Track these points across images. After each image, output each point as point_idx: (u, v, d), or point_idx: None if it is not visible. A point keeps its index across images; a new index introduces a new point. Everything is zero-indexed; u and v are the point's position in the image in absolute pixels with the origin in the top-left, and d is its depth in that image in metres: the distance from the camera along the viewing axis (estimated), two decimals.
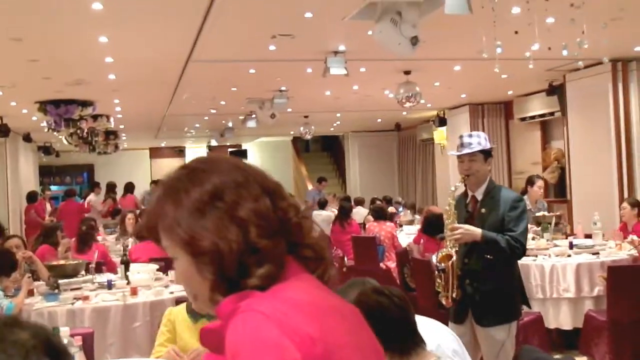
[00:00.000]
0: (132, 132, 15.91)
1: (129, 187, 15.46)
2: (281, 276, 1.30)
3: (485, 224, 4.19)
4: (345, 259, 11.00)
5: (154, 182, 16.60)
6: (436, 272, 4.27)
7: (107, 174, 19.19)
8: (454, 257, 4.16)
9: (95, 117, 12.12)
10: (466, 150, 4.27)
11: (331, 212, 13.43)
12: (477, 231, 4.13)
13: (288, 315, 1.19)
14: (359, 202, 13.29)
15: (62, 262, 6.79)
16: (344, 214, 11.40)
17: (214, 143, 19.34)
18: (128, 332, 5.74)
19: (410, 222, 12.07)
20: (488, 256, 4.16)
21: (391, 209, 12.50)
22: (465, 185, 4.43)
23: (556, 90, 10.59)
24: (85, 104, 10.64)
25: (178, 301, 5.57)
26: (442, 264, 4.21)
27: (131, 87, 9.62)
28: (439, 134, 15.17)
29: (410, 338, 2.41)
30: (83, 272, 6.63)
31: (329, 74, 7.63)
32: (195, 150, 22.72)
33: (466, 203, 4.36)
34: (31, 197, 15.47)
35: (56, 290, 5.95)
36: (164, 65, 8.12)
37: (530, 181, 8.06)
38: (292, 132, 19.80)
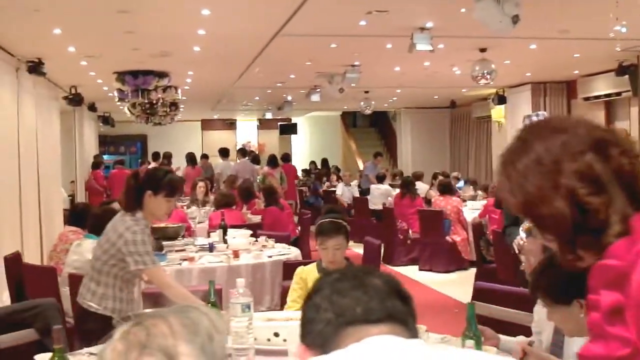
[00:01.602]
0: (191, 104, 16.20)
1: (194, 158, 15.86)
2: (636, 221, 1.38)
3: None
4: (410, 231, 11.27)
5: (204, 156, 16.96)
6: (520, 242, 4.45)
7: (159, 145, 19.57)
8: None
9: (164, 89, 12.44)
10: None
11: (388, 185, 13.68)
12: None
13: None
14: (418, 177, 13.48)
15: (162, 225, 7.06)
16: (409, 188, 11.62)
17: (268, 116, 19.57)
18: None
19: (473, 198, 12.26)
20: None
21: None
22: None
23: (627, 71, 10.65)
24: (161, 75, 10.95)
25: (286, 264, 5.91)
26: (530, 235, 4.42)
27: (210, 60, 9.89)
28: (497, 112, 15.27)
29: None
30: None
31: (415, 49, 7.81)
32: (247, 123, 23.02)
33: None
34: (96, 163, 15.95)
35: (162, 251, 6.24)
36: (250, 38, 8.37)
37: None
38: (345, 107, 20.02)
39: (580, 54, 10.14)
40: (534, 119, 4.62)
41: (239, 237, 6.95)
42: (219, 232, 6.94)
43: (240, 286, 3.39)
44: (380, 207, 12.53)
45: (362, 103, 14.90)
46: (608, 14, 7.37)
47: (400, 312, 1.34)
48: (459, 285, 9.40)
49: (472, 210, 11.01)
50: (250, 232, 7.18)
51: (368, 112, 15.47)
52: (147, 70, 10.71)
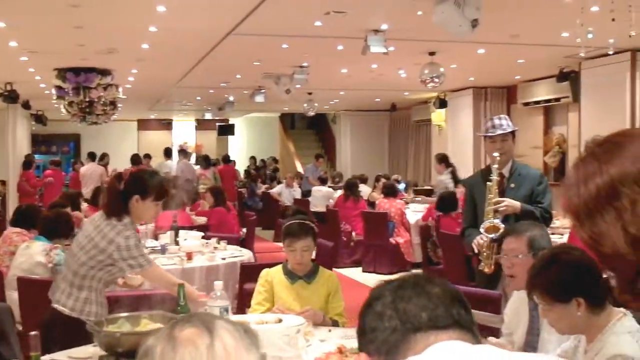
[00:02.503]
0: (129, 103, 15.89)
1: (139, 158, 15.60)
2: None
3: (515, 198, 4.53)
4: (353, 233, 11.30)
5: (147, 156, 16.66)
6: (481, 242, 4.51)
7: (93, 145, 18.90)
8: (502, 229, 4.43)
9: (105, 87, 12.15)
10: (500, 131, 4.63)
11: (329, 188, 13.70)
12: (517, 204, 4.48)
13: None
14: (362, 180, 13.55)
15: None
16: (352, 190, 11.67)
17: (207, 116, 19.36)
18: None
19: (415, 200, 12.37)
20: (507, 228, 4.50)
21: None
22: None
23: (568, 77, 10.93)
24: (104, 72, 10.69)
25: (244, 266, 5.82)
26: (492, 234, 4.49)
27: (157, 58, 9.71)
28: (438, 116, 15.48)
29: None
30: None
31: (369, 51, 7.82)
32: (183, 124, 22.74)
33: (488, 180, 4.62)
34: (27, 163, 15.44)
35: None
36: (202, 37, 8.24)
37: None
38: (286, 109, 19.95)
39: (525, 60, 10.35)
40: (497, 122, 4.69)
41: (190, 239, 6.83)
42: (170, 233, 6.79)
43: (218, 289, 3.32)
44: (322, 209, 12.54)
45: (305, 105, 14.89)
46: (557, 21, 7.57)
47: (465, 319, 1.34)
48: None
49: (414, 213, 11.12)
50: (202, 234, 7.07)
51: (311, 113, 15.47)
52: (90, 68, 10.45)
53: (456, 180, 10.84)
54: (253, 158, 21.40)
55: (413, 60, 9.92)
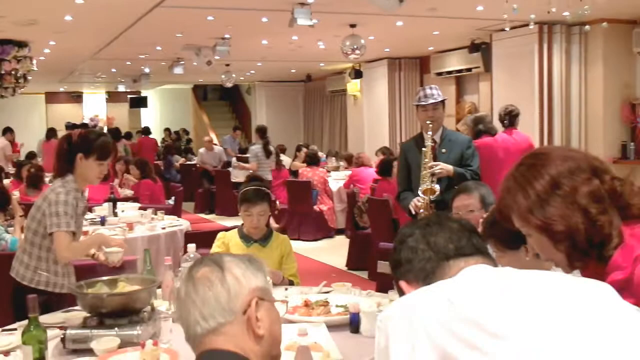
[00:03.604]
0: (40, 76, 15.50)
1: (53, 133, 15.25)
2: (627, 233, 1.73)
3: (447, 162, 4.91)
4: (277, 202, 11.54)
5: (71, 127, 16.30)
6: (418, 204, 4.86)
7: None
8: (438, 191, 4.81)
9: (19, 60, 11.87)
10: (432, 100, 4.98)
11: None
12: (450, 167, 4.87)
13: None
14: (282, 149, 13.77)
15: None
16: (275, 160, 11.90)
17: (121, 89, 19.08)
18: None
19: (336, 169, 12.73)
20: (456, 187, 4.89)
21: None
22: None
23: (479, 48, 11.44)
24: (21, 44, 10.47)
25: (188, 234, 5.99)
26: (429, 196, 4.85)
27: (77, 30, 9.59)
28: (353, 86, 15.81)
29: None
30: None
31: (296, 24, 8.03)
32: (94, 96, 22.30)
33: (423, 147, 4.97)
34: None
35: None
36: (128, 9, 8.23)
37: None
38: (201, 80, 19.87)
39: (440, 32, 10.77)
40: (428, 91, 5.02)
41: (128, 210, 6.94)
42: (108, 205, 6.87)
43: (191, 251, 3.51)
44: (242, 179, 12.68)
45: (223, 76, 14.92)
46: None
47: (483, 246, 1.67)
48: (328, 252, 9.84)
49: (336, 181, 11.48)
50: (139, 205, 7.18)
51: (229, 85, 15.52)
52: (6, 40, 10.21)
53: (267, 152, 11.36)
54: (168, 130, 21.22)
55: (333, 32, 10.18)
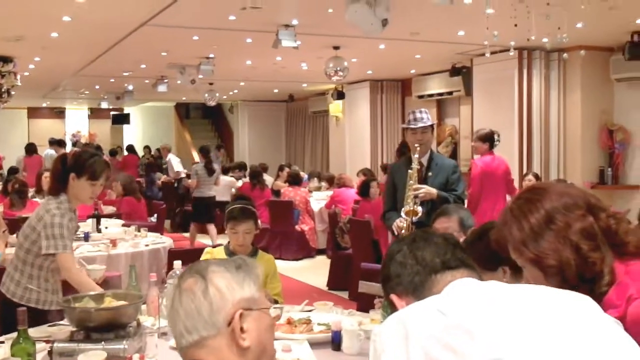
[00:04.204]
0: (23, 91, 15.51)
1: (33, 148, 15.23)
2: (618, 270, 1.79)
3: (432, 185, 5.03)
4: (259, 221, 11.56)
5: (56, 142, 16.23)
6: (400, 224, 4.95)
7: None
8: (420, 213, 4.91)
9: (3, 75, 11.89)
10: (421, 124, 5.11)
11: (231, 177, 13.92)
12: (434, 190, 4.97)
13: None
14: (264, 169, 13.85)
15: (24, 216, 6.90)
16: (258, 179, 11.98)
17: (104, 105, 19.08)
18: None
19: (318, 189, 12.81)
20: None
21: None
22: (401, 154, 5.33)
23: (460, 72, 11.62)
24: (6, 60, 10.51)
25: (172, 252, 6.04)
26: (411, 217, 4.95)
27: (64, 46, 9.65)
28: (335, 107, 15.94)
29: None
30: None
31: (281, 45, 8.14)
32: (76, 112, 22.28)
33: (409, 169, 5.09)
34: None
35: None
36: (115, 28, 8.31)
37: None
38: (184, 98, 19.94)
39: (422, 55, 10.94)
40: (418, 115, 5.14)
41: (112, 227, 6.98)
42: (92, 221, 6.90)
43: (178, 268, 3.58)
44: (226, 198, 12.73)
45: (206, 95, 15.00)
46: (455, 20, 8.13)
47: (467, 259, 1.80)
48: (309, 272, 9.90)
49: (317, 201, 11.56)
50: (122, 222, 7.21)
51: (212, 103, 15.59)
52: None
53: (209, 170, 11.66)
54: (147, 147, 21.17)
55: (317, 53, 10.31)
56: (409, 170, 5.00)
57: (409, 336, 1.50)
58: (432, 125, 5.17)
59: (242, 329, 1.65)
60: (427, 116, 5.15)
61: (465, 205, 5.27)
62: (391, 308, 1.82)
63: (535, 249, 1.81)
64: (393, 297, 1.80)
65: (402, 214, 4.93)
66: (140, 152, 21.04)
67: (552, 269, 1.79)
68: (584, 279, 1.77)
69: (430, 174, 5.10)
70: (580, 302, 1.56)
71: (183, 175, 15.09)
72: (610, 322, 1.54)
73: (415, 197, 4.88)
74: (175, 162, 15.42)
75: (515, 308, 1.50)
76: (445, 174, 5.10)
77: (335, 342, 3.08)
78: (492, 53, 9.22)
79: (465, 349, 1.41)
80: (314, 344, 3.04)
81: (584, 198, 1.85)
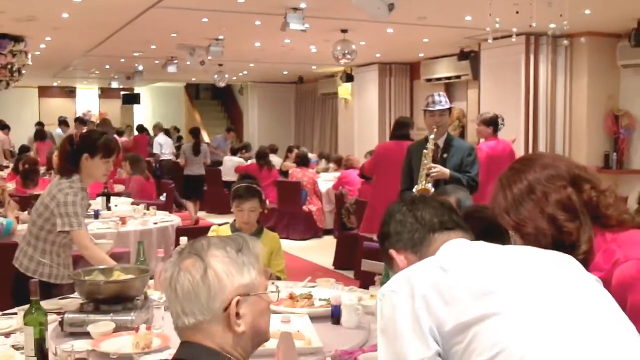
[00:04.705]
0: (33, 70, 15.62)
1: (45, 134, 15.45)
2: (603, 239, 1.88)
3: (446, 166, 5.14)
4: (267, 201, 11.69)
5: (41, 129, 16.34)
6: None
7: None
8: (432, 191, 5.03)
9: (14, 54, 12.00)
10: (439, 107, 5.27)
11: (240, 158, 14.05)
12: (447, 171, 5.10)
13: None
14: (274, 150, 13.97)
15: (35, 193, 7.07)
16: (265, 160, 12.09)
17: (114, 85, 19.20)
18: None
19: (326, 170, 12.92)
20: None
21: None
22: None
23: (468, 56, 11.67)
24: (17, 39, 10.63)
25: (180, 229, 6.18)
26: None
27: (74, 26, 9.76)
28: (344, 89, 16.01)
29: None
30: None
31: (289, 28, 8.23)
32: (87, 92, 22.40)
33: (424, 149, 5.22)
34: None
35: None
36: (124, 8, 8.40)
37: None
38: (194, 79, 20.03)
39: (430, 39, 10.99)
40: (437, 98, 5.30)
41: (121, 205, 7.12)
42: (101, 199, 7.03)
43: (184, 244, 3.69)
44: (233, 178, 12.86)
45: (215, 76, 15.09)
46: (461, 7, 8.19)
47: (462, 222, 1.96)
48: (316, 251, 10.03)
49: (325, 182, 11.67)
50: (131, 200, 7.36)
51: (221, 84, 15.67)
52: (3, 34, 10.36)
53: (196, 150, 12.61)
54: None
55: (325, 36, 10.38)
56: (424, 150, 5.15)
57: (414, 287, 1.65)
58: (449, 109, 5.36)
59: (237, 314, 1.66)
60: (445, 99, 5.34)
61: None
62: (390, 264, 1.97)
63: (516, 217, 1.94)
64: (392, 252, 1.95)
65: (414, 191, 5.06)
66: (152, 132, 21.20)
67: (529, 237, 1.92)
68: (563, 246, 1.88)
69: (445, 155, 5.26)
70: (564, 260, 1.73)
71: (166, 157, 15.17)
72: (591, 279, 1.71)
73: (428, 175, 5.01)
74: (157, 142, 15.47)
75: (507, 265, 1.68)
76: (460, 155, 5.25)
77: (335, 316, 3.19)
78: (500, 38, 9.31)
79: (461, 304, 1.58)
80: (314, 318, 3.16)
81: (568, 170, 1.95)
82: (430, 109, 5.30)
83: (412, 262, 1.84)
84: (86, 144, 3.91)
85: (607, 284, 1.83)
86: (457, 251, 1.80)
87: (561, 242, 1.88)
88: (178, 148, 15.36)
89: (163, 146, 15.38)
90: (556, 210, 1.89)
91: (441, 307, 1.60)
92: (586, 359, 1.50)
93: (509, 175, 2.02)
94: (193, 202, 12.33)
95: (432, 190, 4.99)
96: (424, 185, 5.05)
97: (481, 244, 1.83)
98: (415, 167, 5.26)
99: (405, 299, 1.65)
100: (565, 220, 1.88)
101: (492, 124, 7.11)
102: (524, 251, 1.78)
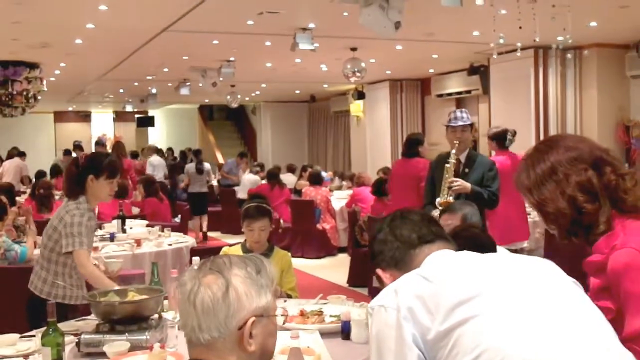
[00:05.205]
0: (49, 95, 15.85)
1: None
2: (616, 223, 1.96)
3: (468, 181, 5.20)
4: (281, 221, 11.79)
5: (77, 147, 16.52)
6: (435, 214, 5.15)
7: (5, 139, 18.50)
8: None
9: (29, 80, 12.20)
10: (460, 123, 5.33)
11: (255, 176, 14.11)
12: (468, 185, 5.15)
13: None
14: (292, 169, 14.11)
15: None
16: (277, 179, 12.17)
17: (128, 108, 19.40)
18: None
19: (339, 188, 12.99)
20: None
21: None
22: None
23: (478, 71, 11.74)
24: (32, 66, 10.82)
25: (194, 250, 6.26)
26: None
27: (88, 52, 9.93)
28: (356, 107, 16.11)
29: None
30: None
31: (298, 48, 8.34)
32: (102, 115, 22.66)
33: (446, 163, 5.30)
34: None
35: None
36: (136, 34, 8.56)
37: None
38: (207, 101, 20.20)
39: (439, 55, 11.07)
40: (458, 114, 5.38)
41: (136, 227, 7.22)
42: (117, 222, 7.13)
43: (196, 264, 3.76)
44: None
45: (228, 97, 15.23)
46: (469, 21, 8.27)
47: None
48: (330, 269, 10.06)
49: (338, 200, 11.72)
50: (146, 222, 7.46)
51: (234, 105, 15.82)
52: (18, 61, 10.56)
53: (199, 170, 13.12)
54: (170, 149, 21.26)
55: (335, 55, 10.49)
56: (446, 165, 5.22)
57: (400, 299, 1.72)
58: (471, 124, 5.44)
59: (250, 334, 1.68)
60: (466, 116, 5.42)
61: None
62: (379, 282, 2.04)
63: (538, 197, 2.04)
64: (378, 271, 2.03)
65: (437, 204, 5.13)
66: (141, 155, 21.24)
67: (550, 216, 2.02)
68: (581, 225, 1.97)
69: (467, 170, 5.32)
70: (544, 266, 1.81)
71: (159, 179, 15.19)
72: (570, 282, 1.79)
73: (450, 188, 5.08)
74: (149, 164, 15.38)
75: (488, 272, 1.75)
76: (482, 170, 5.31)
77: (345, 331, 3.24)
78: (507, 52, 9.38)
79: (444, 310, 1.66)
80: (325, 334, 3.21)
81: (591, 152, 2.02)
82: (452, 124, 5.38)
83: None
84: (91, 166, 3.98)
85: (604, 267, 1.93)
86: (439, 261, 1.87)
87: (580, 222, 1.97)
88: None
89: (155, 168, 15.36)
90: (576, 192, 1.96)
91: (425, 316, 1.67)
92: (566, 358, 1.56)
93: (533, 155, 2.10)
94: (200, 217, 12.85)
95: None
96: (445, 198, 5.14)
97: (463, 253, 1.91)
98: (438, 182, 5.34)
99: (391, 312, 1.73)
100: (584, 201, 1.95)
101: (496, 138, 7.15)
102: (505, 258, 1.86)
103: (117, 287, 3.83)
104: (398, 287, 1.78)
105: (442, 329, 1.64)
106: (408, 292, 1.74)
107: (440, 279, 1.74)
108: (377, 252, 2.03)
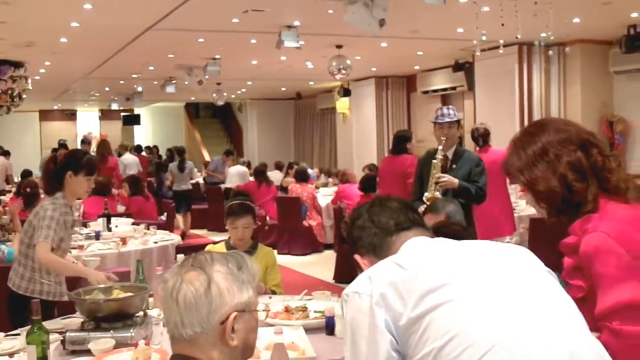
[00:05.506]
0: (34, 94, 15.78)
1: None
2: (601, 204, 2.04)
3: (455, 177, 5.24)
4: (267, 217, 11.80)
5: (62, 145, 16.43)
6: (422, 209, 5.20)
7: None
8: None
9: (14, 79, 12.15)
10: (447, 119, 5.35)
11: (244, 168, 14.11)
12: (456, 180, 5.18)
13: (620, 230, 1.97)
14: (279, 166, 14.12)
15: None
16: (264, 176, 12.17)
17: (114, 107, 19.34)
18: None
19: (325, 185, 13.01)
20: (460, 200, 5.22)
21: None
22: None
23: (462, 67, 11.79)
24: (17, 65, 10.77)
25: (179, 247, 6.27)
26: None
27: (73, 51, 9.90)
28: (342, 104, 16.14)
29: None
30: None
31: (283, 46, 8.36)
32: (88, 114, 22.57)
33: (433, 159, 5.34)
34: None
35: None
36: (121, 32, 8.54)
37: None
38: (193, 98, 20.17)
39: (424, 52, 11.12)
40: (445, 111, 5.40)
41: (122, 225, 7.21)
42: (102, 220, 7.12)
43: (181, 260, 3.78)
44: (234, 185, 12.94)
45: (214, 94, 15.22)
46: (453, 19, 8.31)
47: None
48: (317, 266, 10.08)
49: (324, 197, 11.75)
50: (132, 220, 7.45)
51: (220, 103, 15.82)
52: (3, 60, 10.52)
53: (181, 168, 13.03)
54: (155, 147, 21.09)
55: (321, 52, 10.51)
56: (433, 161, 5.25)
57: (373, 286, 1.76)
58: (457, 121, 5.42)
59: (232, 329, 1.70)
60: (453, 112, 5.42)
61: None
62: (358, 268, 2.06)
63: (529, 176, 2.11)
64: (356, 256, 2.05)
65: (424, 199, 5.17)
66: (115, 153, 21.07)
67: (541, 194, 2.10)
68: (570, 203, 2.05)
69: (454, 166, 5.34)
70: (517, 253, 1.86)
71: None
72: (543, 270, 1.84)
73: (437, 184, 5.12)
74: (121, 162, 15.14)
75: (462, 259, 1.79)
76: (469, 166, 5.34)
77: (329, 327, 3.27)
78: (490, 49, 9.44)
79: (416, 296, 1.69)
80: (310, 330, 3.24)
81: (578, 134, 2.11)
82: (439, 121, 5.38)
83: None
84: (70, 162, 4.00)
85: (577, 248, 2.00)
86: (414, 248, 1.90)
87: (570, 200, 2.05)
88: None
89: (127, 166, 15.15)
90: (567, 171, 2.04)
91: (397, 302, 1.71)
92: (535, 344, 1.60)
93: (523, 138, 2.17)
94: (183, 214, 12.81)
95: (440, 197, 5.10)
96: (433, 193, 5.17)
97: (438, 240, 1.94)
98: (426, 178, 5.37)
99: (365, 299, 1.76)
100: (574, 180, 2.04)
101: (472, 135, 7.36)
102: (480, 246, 1.89)
103: (82, 268, 3.89)
104: (372, 274, 1.81)
105: (414, 315, 1.67)
106: (382, 278, 1.77)
107: (414, 266, 1.77)
108: (356, 238, 2.06)
